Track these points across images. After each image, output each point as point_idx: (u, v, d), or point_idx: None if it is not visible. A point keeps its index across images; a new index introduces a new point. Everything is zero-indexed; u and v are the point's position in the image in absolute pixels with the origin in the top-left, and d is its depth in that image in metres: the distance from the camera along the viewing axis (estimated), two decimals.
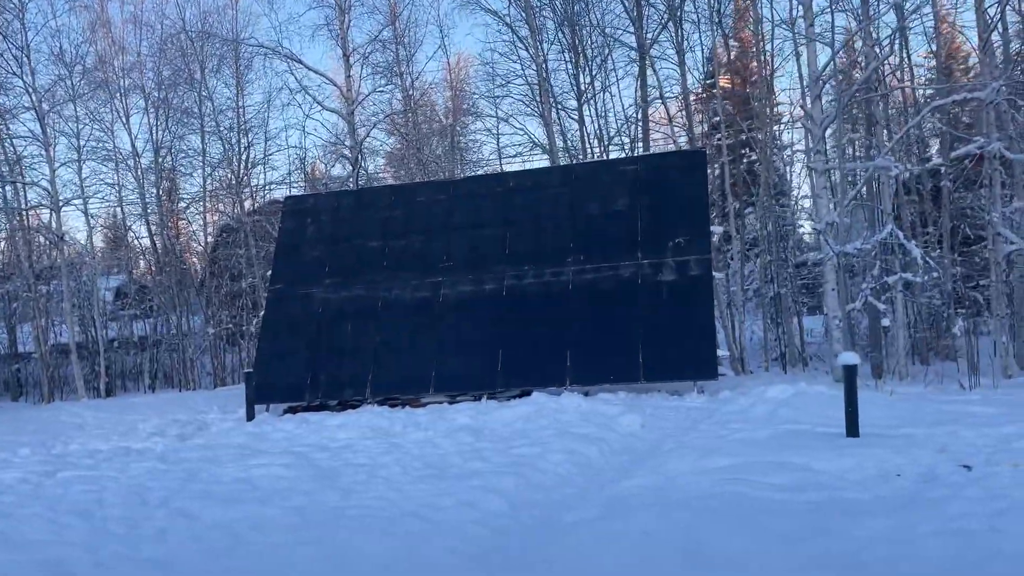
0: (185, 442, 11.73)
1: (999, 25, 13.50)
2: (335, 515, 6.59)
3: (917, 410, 10.10)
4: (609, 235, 14.17)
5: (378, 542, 5.83)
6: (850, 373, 8.19)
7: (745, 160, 25.39)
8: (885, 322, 13.06)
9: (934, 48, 18.44)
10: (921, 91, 17.49)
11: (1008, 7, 13.57)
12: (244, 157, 22.31)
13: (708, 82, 24.97)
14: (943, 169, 15.56)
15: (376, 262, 15.46)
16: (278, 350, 15.19)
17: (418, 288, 14.94)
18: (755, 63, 22.05)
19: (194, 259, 26.59)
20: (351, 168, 21.08)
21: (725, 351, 14.41)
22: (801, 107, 14.67)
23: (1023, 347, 14.66)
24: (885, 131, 15.27)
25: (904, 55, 17.83)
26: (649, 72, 19.99)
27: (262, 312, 19.34)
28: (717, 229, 15.03)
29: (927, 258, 12.66)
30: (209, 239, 24.43)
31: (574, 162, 19.73)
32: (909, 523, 4.96)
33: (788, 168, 22.35)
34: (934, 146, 20.36)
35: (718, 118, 24.75)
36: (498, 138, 24.39)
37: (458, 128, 29.68)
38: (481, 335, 14.16)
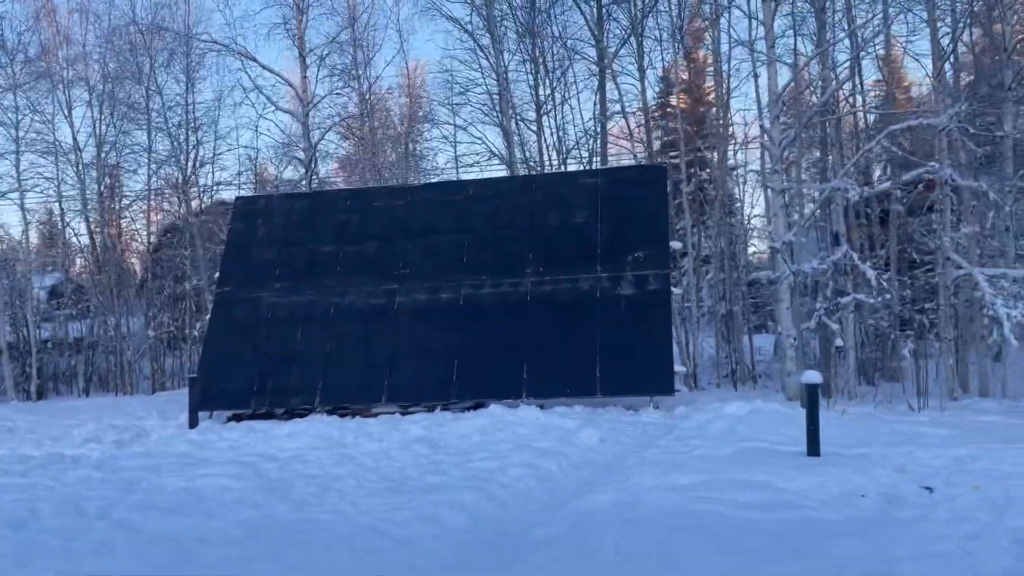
0: (123, 449, 11.19)
1: (951, 56, 13.86)
2: (289, 529, 6.28)
3: (871, 430, 10.19)
4: (568, 247, 14.08)
5: (336, 558, 5.55)
6: (813, 392, 8.19)
7: (693, 181, 25.71)
8: (838, 342, 13.23)
9: (883, 76, 18.95)
10: (873, 115, 17.89)
11: (959, 39, 13.94)
12: (193, 155, 21.64)
13: (660, 101, 25.28)
14: (896, 192, 15.90)
15: (330, 267, 15.08)
16: (224, 355, 14.67)
17: (373, 295, 14.62)
18: (711, 83, 22.33)
19: (135, 259, 25.69)
20: (304, 171, 20.61)
21: (681, 367, 14.42)
22: (760, 127, 14.84)
23: (966, 370, 15.04)
24: (840, 153, 15.55)
25: (856, 81, 18.27)
26: (611, 86, 20.08)
27: (207, 315, 18.74)
28: (676, 244, 15.08)
29: (880, 280, 12.85)
30: (152, 238, 23.62)
31: (533, 173, 19.64)
32: (884, 545, 4.90)
33: (740, 187, 22.68)
34: (876, 171, 20.84)
35: (669, 137, 25.08)
36: (455, 146, 24.20)
37: (413, 135, 29.42)
38: (436, 345, 13.90)
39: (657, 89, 24.97)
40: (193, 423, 12.76)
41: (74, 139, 21.68)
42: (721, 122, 20.28)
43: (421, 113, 27.79)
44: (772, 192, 13.96)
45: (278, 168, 23.58)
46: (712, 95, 23.16)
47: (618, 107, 20.55)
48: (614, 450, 9.66)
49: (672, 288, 13.39)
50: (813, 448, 8.09)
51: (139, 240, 24.64)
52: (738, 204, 24.07)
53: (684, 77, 23.09)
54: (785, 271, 13.87)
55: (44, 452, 10.97)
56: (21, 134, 19.93)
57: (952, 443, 8.71)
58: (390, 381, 13.74)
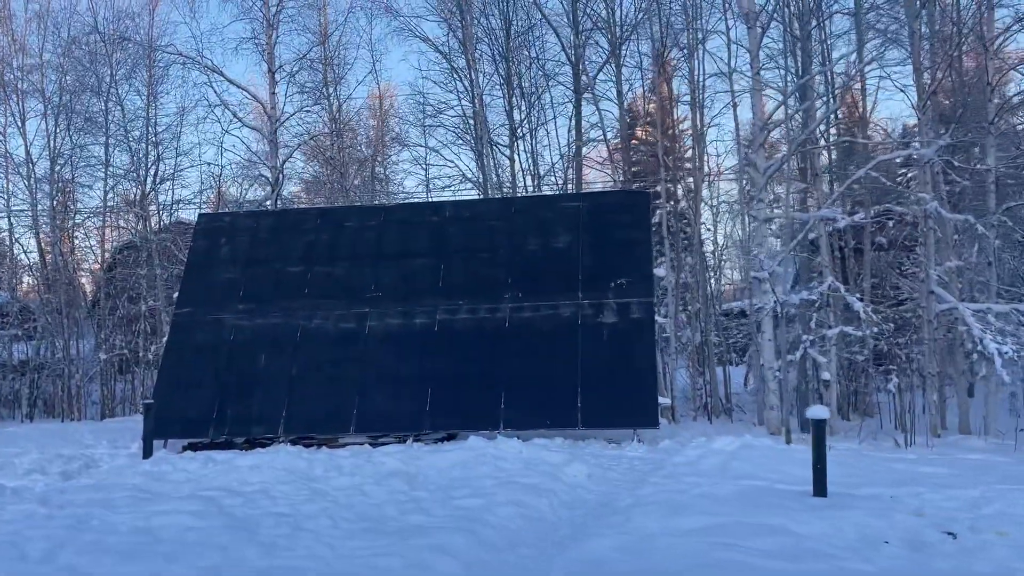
0: (70, 481, 10.30)
1: (933, 92, 13.81)
2: None
3: (867, 468, 9.83)
4: (549, 273, 13.61)
5: None
6: (820, 429, 7.76)
7: (658, 212, 25.57)
8: (825, 375, 12.92)
9: (859, 108, 18.97)
10: (846, 146, 17.82)
11: (941, 70, 13.92)
12: (153, 171, 20.75)
13: (628, 132, 25.14)
14: (869, 226, 15.78)
15: (297, 289, 14.37)
16: (181, 380, 13.81)
17: (342, 319, 13.94)
18: (681, 116, 22.18)
19: (87, 278, 24.54)
20: (270, 189, 19.87)
21: (664, 399, 13.97)
22: (745, 154, 14.61)
23: (943, 405, 14.84)
24: (820, 183, 15.39)
25: (832, 111, 18.24)
26: (590, 109, 19.81)
27: (163, 338, 17.81)
28: (659, 272, 14.71)
29: (868, 312, 12.60)
30: (106, 257, 22.56)
31: (511, 196, 19.19)
32: None
33: (714, 217, 22.52)
34: (849, 204, 20.88)
35: (636, 168, 24.92)
36: (427, 169, 23.66)
37: (380, 158, 28.87)
38: (409, 372, 13.26)
39: (628, 119, 24.87)
40: (147, 452, 11.89)
41: (27, 152, 20.67)
42: (695, 152, 20.10)
43: (392, 135, 27.32)
44: (756, 221, 13.68)
45: (241, 187, 22.78)
46: (684, 124, 23.05)
47: (594, 132, 20.29)
48: (603, 488, 9.12)
49: (656, 317, 12.97)
50: (820, 488, 7.64)
51: (93, 258, 23.54)
52: (708, 234, 24.00)
53: (652, 108, 23.00)
54: (768, 301, 13.55)
55: None
56: None
57: (959, 484, 8.34)
58: (359, 410, 13.03)
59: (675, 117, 22.47)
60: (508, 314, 13.43)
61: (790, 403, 13.94)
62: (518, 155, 20.99)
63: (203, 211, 18.10)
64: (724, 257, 22.31)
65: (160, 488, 9.42)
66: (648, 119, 23.60)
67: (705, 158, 20.88)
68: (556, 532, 7.19)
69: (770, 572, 4.93)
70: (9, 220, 21.62)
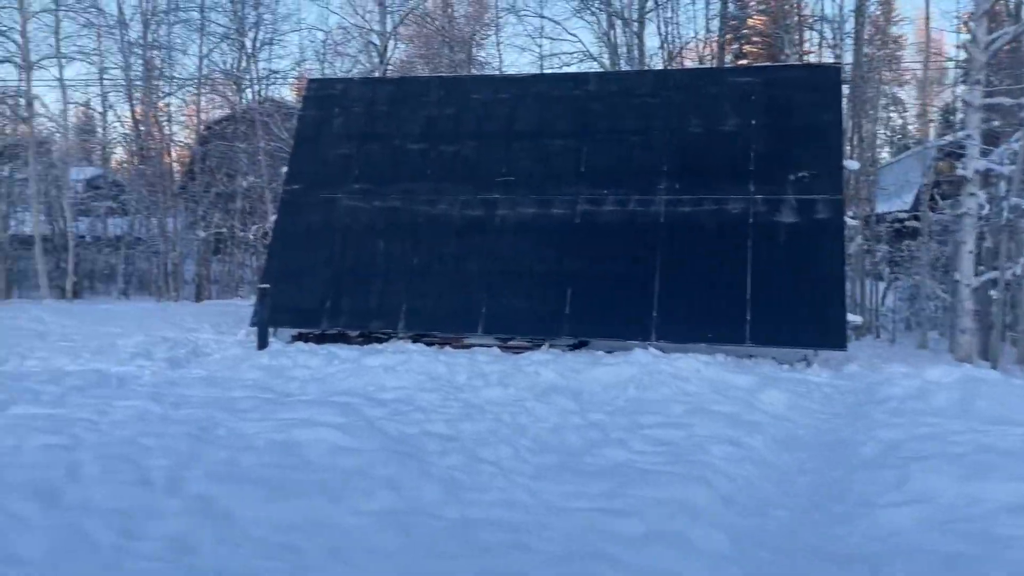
0: (179, 371, 9.15)
1: None
2: (462, 535, 4.12)
3: None
4: (713, 160, 11.57)
5: None
6: None
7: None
8: None
9: None
10: None
11: None
12: (252, 35, 19.00)
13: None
14: None
15: (418, 169, 12.71)
16: (291, 265, 12.49)
17: (468, 205, 12.27)
18: None
19: (181, 151, 23.41)
20: (377, 60, 17.96)
21: (855, 316, 12.01)
22: (964, 24, 12.00)
23: None
24: None
25: None
26: None
27: (265, 218, 16.59)
28: (851, 164, 12.45)
29: None
30: (202, 129, 21.25)
31: (669, 68, 16.81)
32: None
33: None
34: None
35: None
36: (540, 47, 21.31)
37: (476, 39, 26.58)
38: (544, 268, 11.62)
39: None
40: (262, 343, 10.68)
41: (119, 11, 19.13)
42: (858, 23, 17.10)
43: (505, 4, 24.72)
44: (970, 108, 11.25)
45: (341, 58, 20.85)
46: None
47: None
48: (812, 422, 7.43)
49: (847, 218, 10.89)
50: None
51: (189, 129, 22.29)
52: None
53: None
54: (971, 205, 11.27)
55: (82, 367, 8.99)
56: None
57: None
58: (488, 308, 11.53)
59: None
60: (663, 207, 11.53)
61: (999, 326, 11.78)
62: (648, 30, 18.49)
63: (310, 78, 16.33)
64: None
65: (283, 387, 8.14)
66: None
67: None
68: (793, 484, 5.56)
69: None
70: (101, 84, 20.32)
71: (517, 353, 10.55)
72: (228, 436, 5.82)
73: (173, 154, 21.86)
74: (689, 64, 18.20)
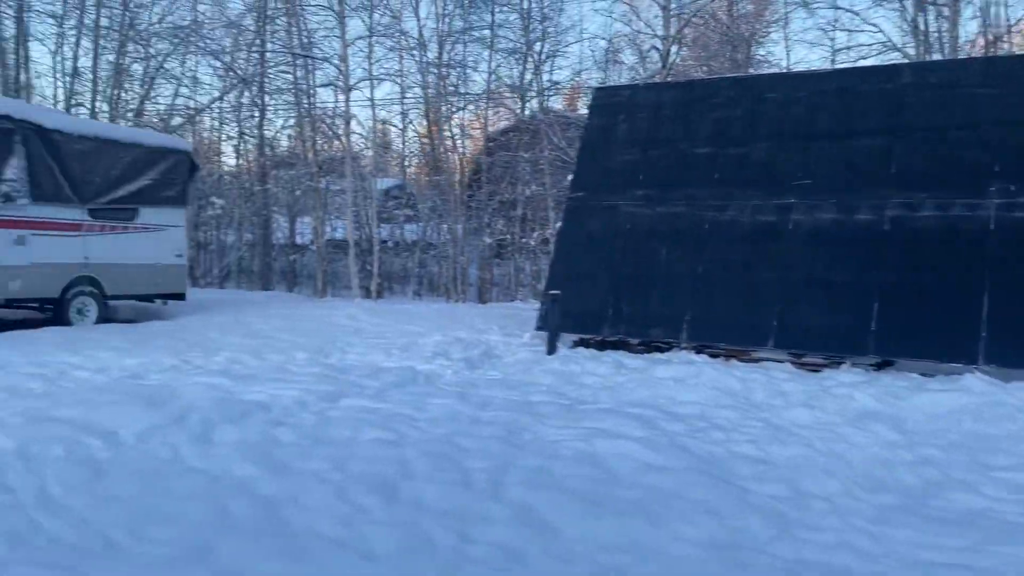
0: (476, 372, 9.57)
1: None
2: None
3: None
4: None
5: None
6: None
7: None
8: None
9: None
10: None
11: None
12: (538, 48, 19.72)
13: None
14: None
15: (704, 173, 12.27)
16: (572, 270, 12.65)
17: (759, 210, 11.60)
18: None
19: (468, 162, 24.98)
20: (660, 64, 17.77)
21: None
22: None
23: None
24: None
25: None
26: None
27: (546, 225, 17.08)
28: None
29: None
30: (486, 141, 22.48)
31: (998, 54, 14.92)
32: None
33: None
34: None
35: None
36: (832, 40, 19.81)
37: (756, 38, 25.30)
38: (845, 279, 10.63)
39: None
40: (551, 348, 10.91)
41: (420, 33, 20.84)
42: None
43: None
44: None
45: (620, 65, 20.96)
46: None
47: None
48: None
49: None
50: None
51: (473, 140, 23.73)
52: None
53: None
54: None
55: (395, 364, 9.72)
56: (375, 19, 19.18)
57: None
58: (780, 321, 10.79)
59: None
60: (995, 212, 10.04)
61: None
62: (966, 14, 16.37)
63: (596, 86, 16.52)
64: None
65: (576, 393, 8.18)
66: None
67: None
68: None
69: None
70: (402, 101, 22.30)
71: (814, 371, 9.78)
72: (535, 442, 5.90)
73: (461, 165, 23.39)
74: (1019, 51, 15.80)
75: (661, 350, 11.68)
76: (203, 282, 23.89)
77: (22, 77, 21.80)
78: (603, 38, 25.83)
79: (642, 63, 22.22)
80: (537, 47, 19.68)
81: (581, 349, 11.55)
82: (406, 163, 25.57)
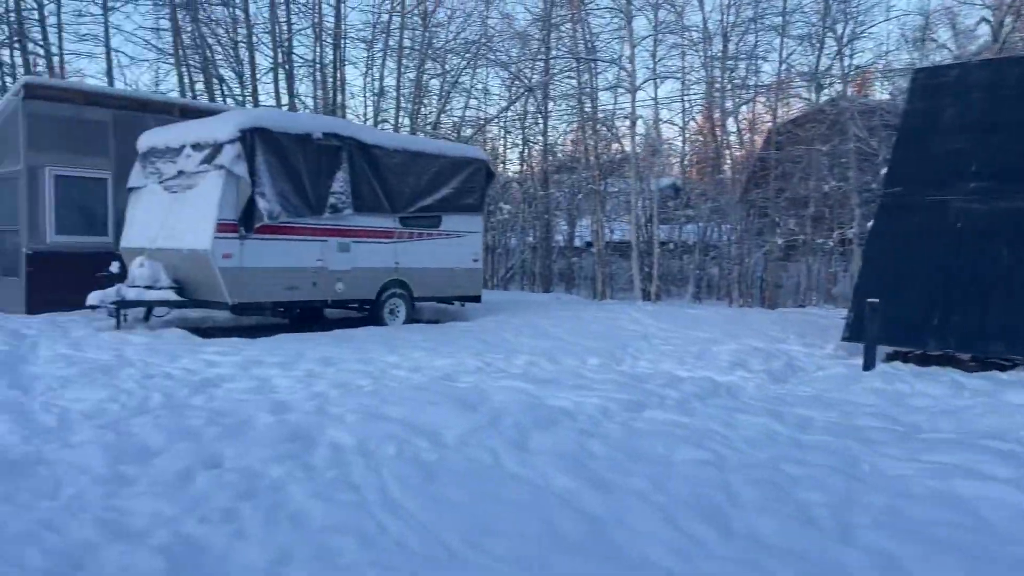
0: (781, 385, 8.85)
1: None
2: None
3: None
4: None
5: None
6: None
7: None
8: None
9: None
10: None
11: None
12: (841, 30, 18.09)
13: None
14: None
15: None
16: (888, 275, 11.31)
17: None
18: None
19: (751, 157, 23.74)
20: (989, 37, 15.45)
21: None
22: None
23: None
24: None
25: None
26: None
27: (853, 225, 15.60)
28: None
29: None
30: (774, 134, 21.14)
31: None
32: None
33: None
34: None
35: None
36: None
37: None
38: None
39: None
40: (869, 363, 9.83)
41: (704, 27, 20.11)
42: None
43: None
44: None
45: (923, 47, 18.58)
46: None
47: None
48: None
49: None
50: None
51: (759, 134, 22.47)
52: None
53: None
54: None
55: (690, 374, 9.30)
56: (660, 18, 18.85)
57: None
58: None
59: None
60: None
61: None
62: None
63: (915, 68, 14.71)
64: None
65: (908, 418, 7.17)
66: None
67: None
68: None
69: None
70: (683, 100, 21.72)
71: None
72: (875, 475, 5.18)
73: (746, 161, 22.29)
74: None
75: (1002, 368, 10.07)
76: (490, 284, 25.17)
77: (338, 98, 24.44)
78: (919, 13, 23.04)
79: (956, 40, 19.60)
80: (839, 28, 18.05)
81: (899, 364, 10.29)
82: (685, 161, 24.89)
